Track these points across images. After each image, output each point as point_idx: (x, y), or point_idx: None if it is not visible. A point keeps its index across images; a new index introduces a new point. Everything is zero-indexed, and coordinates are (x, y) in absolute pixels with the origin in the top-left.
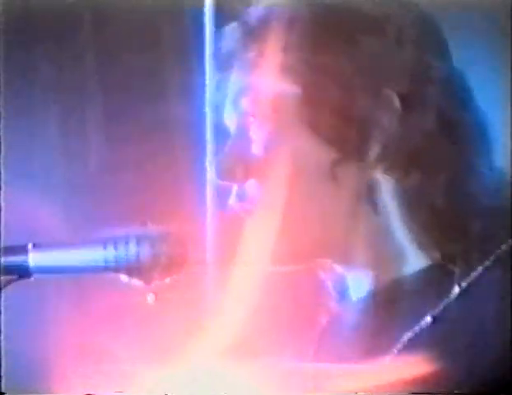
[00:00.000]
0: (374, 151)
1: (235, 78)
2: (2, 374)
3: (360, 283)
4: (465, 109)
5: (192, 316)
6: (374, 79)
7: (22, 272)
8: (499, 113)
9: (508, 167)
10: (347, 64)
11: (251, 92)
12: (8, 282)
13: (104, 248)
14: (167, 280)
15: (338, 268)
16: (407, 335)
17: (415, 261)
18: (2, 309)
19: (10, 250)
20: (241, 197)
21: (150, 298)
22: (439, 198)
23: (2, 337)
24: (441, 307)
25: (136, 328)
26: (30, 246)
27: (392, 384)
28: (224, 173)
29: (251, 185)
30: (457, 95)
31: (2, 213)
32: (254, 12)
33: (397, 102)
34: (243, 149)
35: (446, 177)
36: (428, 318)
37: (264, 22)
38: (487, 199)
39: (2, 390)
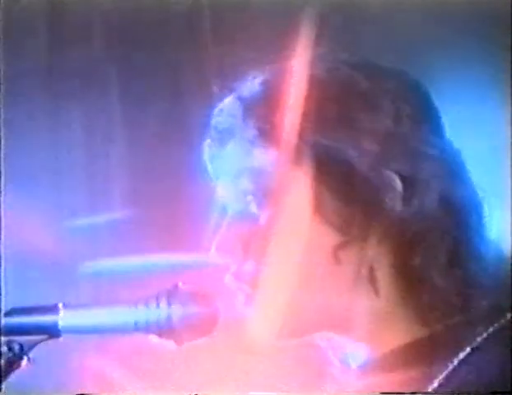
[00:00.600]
0: (377, 233)
1: (233, 155)
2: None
3: (358, 352)
4: (462, 186)
5: None
6: (376, 160)
7: (52, 332)
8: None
9: (505, 242)
10: (349, 144)
11: (251, 172)
12: (37, 342)
13: (136, 308)
14: (198, 340)
15: (338, 338)
16: None
17: (415, 331)
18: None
19: (40, 309)
20: (239, 276)
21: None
22: (439, 278)
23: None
24: (443, 375)
25: None
26: (60, 305)
27: None
28: (223, 250)
29: (250, 265)
30: (454, 171)
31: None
32: (252, 87)
33: (399, 183)
34: (242, 226)
35: (446, 257)
36: (435, 384)
37: (263, 99)
38: (486, 275)
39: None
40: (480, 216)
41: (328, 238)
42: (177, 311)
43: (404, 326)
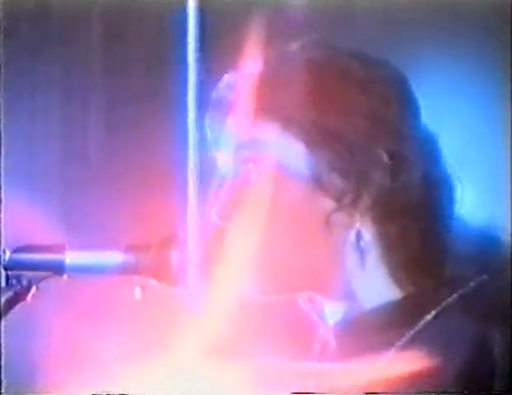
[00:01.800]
0: (366, 203)
1: (233, 127)
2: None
3: (336, 310)
4: (440, 167)
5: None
6: (368, 138)
7: (57, 269)
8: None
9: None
10: (345, 122)
11: (253, 143)
12: (43, 278)
13: (137, 252)
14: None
15: (318, 298)
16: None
17: (391, 293)
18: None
19: (47, 248)
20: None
21: (137, 292)
22: (416, 243)
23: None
24: (414, 331)
25: (121, 325)
26: (66, 245)
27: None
28: (224, 213)
29: (245, 226)
30: (433, 153)
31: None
32: (256, 65)
33: (387, 160)
34: (241, 191)
35: (424, 225)
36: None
37: (266, 77)
38: (456, 244)
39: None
40: (452, 194)
41: (322, 203)
42: (176, 255)
43: (381, 288)
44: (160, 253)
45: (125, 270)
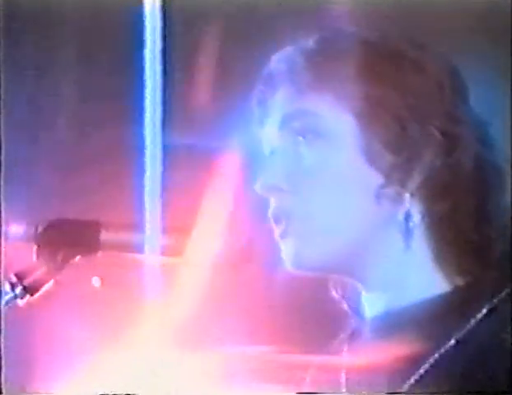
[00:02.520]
0: (416, 181)
1: (285, 98)
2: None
3: (376, 302)
4: (491, 154)
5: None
6: (421, 116)
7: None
8: None
9: None
10: (398, 98)
11: (304, 114)
12: (77, 254)
13: None
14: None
15: (353, 285)
16: (430, 358)
17: (438, 285)
18: None
19: (81, 224)
20: (279, 211)
21: (95, 281)
22: (466, 225)
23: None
24: (464, 331)
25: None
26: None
27: None
28: (270, 187)
29: (289, 201)
30: (484, 139)
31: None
32: (312, 40)
33: (440, 138)
34: (289, 165)
35: (475, 207)
36: (452, 341)
37: (323, 51)
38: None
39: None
40: (503, 182)
41: (372, 179)
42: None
43: (427, 279)
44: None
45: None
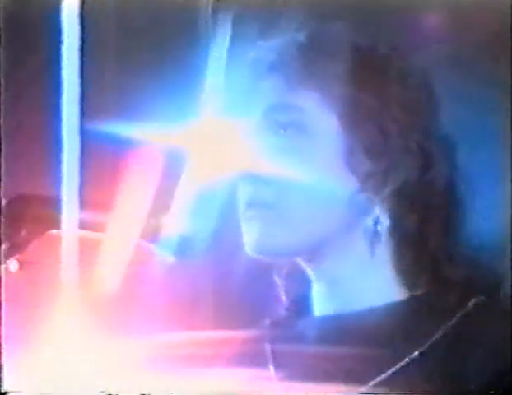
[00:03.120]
0: (390, 190)
1: (271, 88)
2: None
3: (328, 300)
4: (460, 173)
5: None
6: (402, 128)
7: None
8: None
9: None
10: (383, 106)
11: (289, 109)
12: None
13: None
14: None
15: (303, 277)
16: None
17: (395, 294)
18: None
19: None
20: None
21: (13, 266)
22: (432, 240)
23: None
24: (426, 343)
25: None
26: None
27: None
28: (247, 174)
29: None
30: (455, 158)
31: None
32: (304, 35)
33: (418, 153)
34: (267, 155)
35: (442, 224)
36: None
37: (312, 45)
38: (469, 252)
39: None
40: (470, 203)
41: (348, 182)
42: None
43: (386, 285)
44: None
45: None
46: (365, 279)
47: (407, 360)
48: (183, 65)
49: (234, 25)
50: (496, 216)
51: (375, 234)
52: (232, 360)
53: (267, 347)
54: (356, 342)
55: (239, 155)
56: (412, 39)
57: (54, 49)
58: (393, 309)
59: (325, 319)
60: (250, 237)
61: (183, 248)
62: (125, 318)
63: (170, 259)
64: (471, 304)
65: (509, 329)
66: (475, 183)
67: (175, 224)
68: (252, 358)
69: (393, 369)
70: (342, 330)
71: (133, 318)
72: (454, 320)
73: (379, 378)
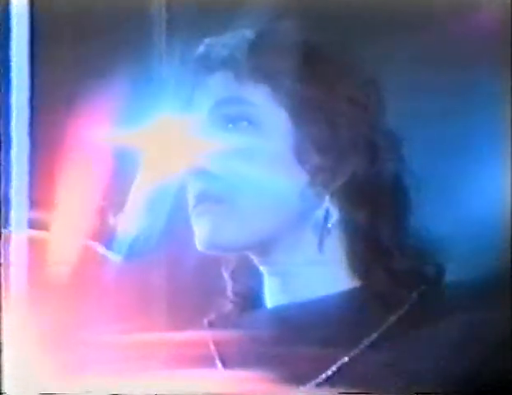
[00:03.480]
0: (337, 184)
1: (220, 83)
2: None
3: (280, 292)
4: (407, 171)
5: None
6: (350, 122)
7: None
8: None
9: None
10: (331, 101)
11: (238, 102)
12: None
13: None
14: None
15: (253, 270)
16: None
17: (343, 284)
18: None
19: None
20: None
21: None
22: (380, 234)
23: None
24: (374, 334)
25: None
26: None
27: None
28: (196, 169)
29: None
30: (402, 152)
31: None
32: (253, 31)
33: (365, 149)
34: (216, 149)
35: (390, 218)
36: (363, 345)
37: (263, 43)
38: (416, 243)
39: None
40: (416, 195)
41: (298, 175)
42: None
43: (338, 276)
44: None
45: None
46: (317, 270)
47: (356, 351)
48: (135, 63)
49: (184, 22)
50: (441, 207)
51: (325, 227)
52: (180, 361)
53: (211, 344)
54: (306, 330)
55: (188, 153)
56: (360, 36)
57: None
58: (345, 297)
59: (276, 310)
60: (200, 232)
61: (132, 248)
62: (75, 319)
63: (119, 260)
64: (415, 293)
65: (456, 318)
66: (422, 176)
67: (124, 224)
68: (198, 356)
69: (344, 360)
70: (293, 319)
71: (84, 319)
72: (402, 310)
73: (324, 375)
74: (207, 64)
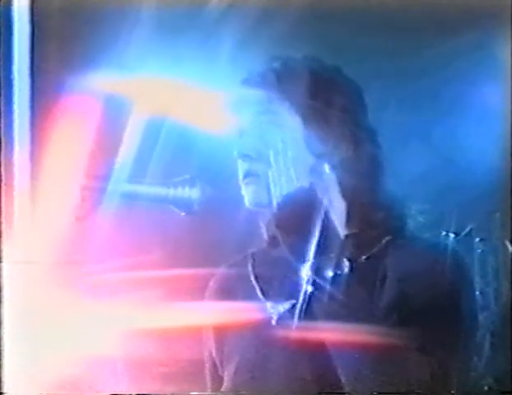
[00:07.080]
0: (335, 162)
1: (257, 100)
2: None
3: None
4: (380, 149)
5: None
6: (342, 122)
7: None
8: None
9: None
10: (330, 110)
11: (270, 113)
12: None
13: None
14: None
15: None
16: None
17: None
18: None
19: None
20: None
21: None
22: (365, 200)
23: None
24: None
25: None
26: None
27: None
28: (244, 156)
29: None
30: (378, 141)
31: None
32: (278, 63)
33: (351, 139)
34: (256, 143)
35: (369, 184)
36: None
37: (285, 71)
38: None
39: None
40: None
41: (308, 158)
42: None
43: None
44: None
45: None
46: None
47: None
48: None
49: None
50: (407, 175)
51: (327, 189)
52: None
53: (251, 274)
54: None
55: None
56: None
57: None
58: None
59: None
60: (248, 196)
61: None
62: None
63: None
64: (384, 241)
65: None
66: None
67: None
68: (239, 287)
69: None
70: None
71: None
72: (371, 252)
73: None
74: (250, 85)
